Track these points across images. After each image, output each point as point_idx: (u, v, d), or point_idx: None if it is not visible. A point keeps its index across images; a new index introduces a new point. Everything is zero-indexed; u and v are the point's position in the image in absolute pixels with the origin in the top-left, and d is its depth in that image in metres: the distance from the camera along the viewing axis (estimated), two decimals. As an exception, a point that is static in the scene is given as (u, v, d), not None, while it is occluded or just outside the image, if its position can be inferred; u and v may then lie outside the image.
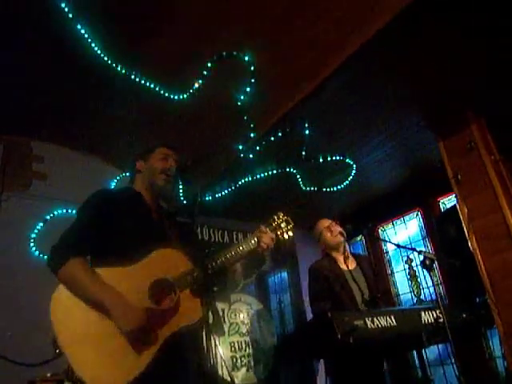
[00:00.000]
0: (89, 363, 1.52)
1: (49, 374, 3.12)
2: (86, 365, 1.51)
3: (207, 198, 4.73)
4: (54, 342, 1.64)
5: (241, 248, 1.88)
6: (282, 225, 2.03)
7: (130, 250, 1.69)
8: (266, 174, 4.62)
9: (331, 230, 3.31)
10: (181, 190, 4.38)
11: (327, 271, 3.17)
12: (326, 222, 3.41)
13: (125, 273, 1.66)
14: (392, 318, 2.68)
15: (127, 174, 4.83)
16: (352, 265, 3.26)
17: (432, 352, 4.79)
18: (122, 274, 1.66)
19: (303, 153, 4.30)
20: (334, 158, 4.51)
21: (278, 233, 2.01)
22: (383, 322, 2.64)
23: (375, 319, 2.61)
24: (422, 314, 2.85)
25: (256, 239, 1.91)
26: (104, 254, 1.72)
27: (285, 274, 6.29)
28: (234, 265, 1.90)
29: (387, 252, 5.79)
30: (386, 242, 4.13)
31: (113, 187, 4.76)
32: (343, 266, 3.22)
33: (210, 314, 1.57)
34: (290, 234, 2.03)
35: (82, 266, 1.65)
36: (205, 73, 3.48)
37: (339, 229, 3.31)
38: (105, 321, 1.57)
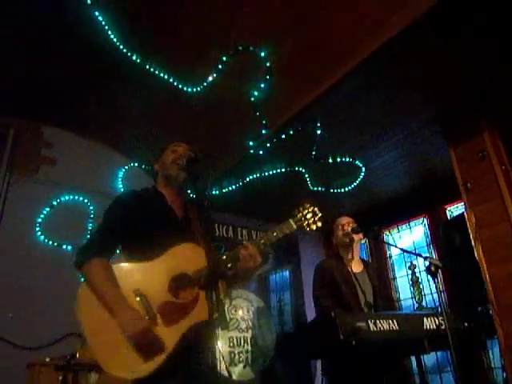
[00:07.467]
0: (105, 352, 1.59)
1: (48, 359, 3.14)
2: (103, 353, 1.59)
3: (214, 192, 4.73)
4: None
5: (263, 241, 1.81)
6: (308, 216, 1.94)
7: (150, 247, 1.77)
8: (274, 171, 4.61)
9: (343, 229, 3.31)
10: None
11: (334, 271, 3.18)
12: (343, 220, 3.41)
13: (145, 268, 1.74)
14: (394, 321, 2.67)
15: (135, 164, 4.88)
16: (359, 268, 3.29)
17: (430, 359, 4.77)
18: (142, 268, 1.74)
19: (313, 152, 4.29)
20: (343, 159, 4.51)
21: (304, 224, 1.92)
22: (385, 325, 2.62)
23: (378, 322, 2.60)
24: (425, 319, 2.83)
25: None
26: (130, 251, 1.83)
27: (286, 273, 6.29)
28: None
29: (391, 257, 5.78)
30: (393, 246, 4.11)
31: (122, 177, 4.77)
32: (350, 268, 3.24)
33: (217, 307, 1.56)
34: (319, 224, 1.94)
35: (101, 268, 1.72)
36: (220, 66, 3.47)
37: (349, 229, 3.28)
38: None
